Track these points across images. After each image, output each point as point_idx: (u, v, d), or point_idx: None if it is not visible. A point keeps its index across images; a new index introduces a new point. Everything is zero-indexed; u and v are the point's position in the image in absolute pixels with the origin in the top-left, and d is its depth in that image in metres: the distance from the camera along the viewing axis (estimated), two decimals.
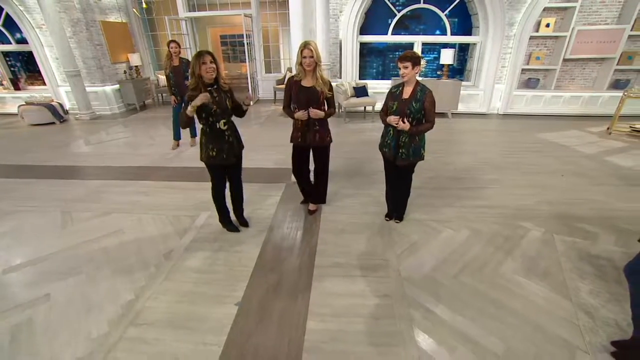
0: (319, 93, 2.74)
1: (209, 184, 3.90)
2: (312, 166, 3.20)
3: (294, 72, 2.83)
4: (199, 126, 5.86)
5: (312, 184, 3.31)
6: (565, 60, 6.57)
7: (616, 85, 6.74)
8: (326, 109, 2.87)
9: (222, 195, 2.88)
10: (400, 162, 2.73)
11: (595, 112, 6.80)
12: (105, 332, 1.99)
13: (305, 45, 2.63)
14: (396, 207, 3.10)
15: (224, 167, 2.73)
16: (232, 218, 3.07)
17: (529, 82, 6.99)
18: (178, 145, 5.26)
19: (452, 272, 2.45)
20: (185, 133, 5.30)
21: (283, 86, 8.28)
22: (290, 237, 2.94)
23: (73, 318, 2.11)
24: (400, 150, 2.68)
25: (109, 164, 4.67)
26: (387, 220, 3.13)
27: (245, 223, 3.08)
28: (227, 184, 2.91)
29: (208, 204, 3.42)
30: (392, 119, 2.55)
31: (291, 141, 3.00)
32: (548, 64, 6.79)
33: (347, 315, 2.09)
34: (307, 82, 2.75)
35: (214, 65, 2.36)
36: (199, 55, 2.33)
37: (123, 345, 1.91)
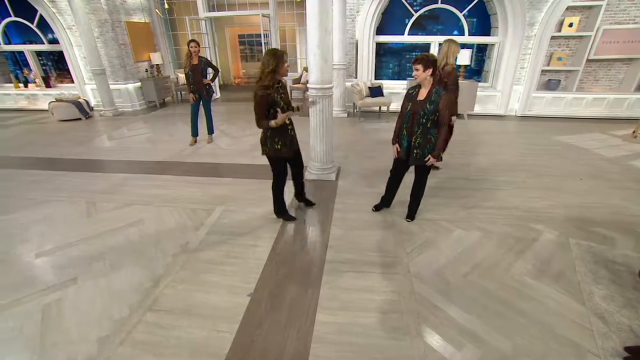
0: None
1: (224, 179, 4.03)
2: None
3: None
4: (215, 123, 5.97)
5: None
6: (589, 60, 6.36)
7: None
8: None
9: (283, 187, 3.01)
10: (414, 162, 2.77)
11: (621, 115, 6.54)
12: (125, 315, 2.12)
13: None
14: (408, 206, 3.12)
15: (286, 160, 2.87)
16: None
17: (549, 84, 6.79)
18: (195, 141, 5.42)
19: (462, 271, 2.46)
20: (202, 130, 5.46)
21: (299, 86, 8.41)
22: (302, 233, 3.01)
23: (97, 300, 2.25)
24: (415, 151, 2.71)
25: (130, 159, 4.88)
26: (373, 210, 3.25)
27: (310, 202, 3.36)
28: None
29: (223, 199, 3.55)
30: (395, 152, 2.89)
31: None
32: (570, 65, 6.58)
33: (356, 309, 2.14)
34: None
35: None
36: (282, 54, 2.47)
37: (141, 328, 2.03)
